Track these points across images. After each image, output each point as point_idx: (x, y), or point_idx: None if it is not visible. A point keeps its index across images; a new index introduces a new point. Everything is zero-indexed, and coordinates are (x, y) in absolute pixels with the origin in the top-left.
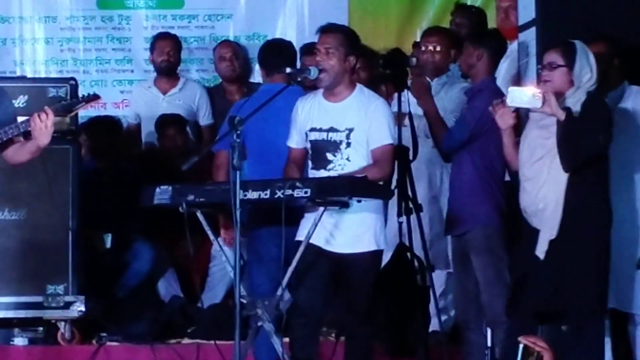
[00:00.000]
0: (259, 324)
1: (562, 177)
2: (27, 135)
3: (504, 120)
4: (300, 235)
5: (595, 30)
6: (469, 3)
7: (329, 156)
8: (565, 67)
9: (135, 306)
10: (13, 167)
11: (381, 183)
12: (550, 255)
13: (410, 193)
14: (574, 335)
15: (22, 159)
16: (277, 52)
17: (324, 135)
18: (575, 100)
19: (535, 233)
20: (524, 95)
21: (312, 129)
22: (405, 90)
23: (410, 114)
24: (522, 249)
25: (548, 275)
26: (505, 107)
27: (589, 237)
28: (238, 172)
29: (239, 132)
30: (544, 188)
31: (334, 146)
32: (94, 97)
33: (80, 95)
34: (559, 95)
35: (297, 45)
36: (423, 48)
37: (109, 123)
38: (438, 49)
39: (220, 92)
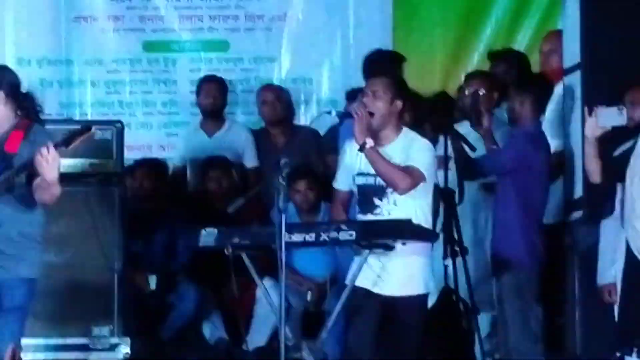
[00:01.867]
0: None
1: None
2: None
3: (590, 131)
4: (349, 279)
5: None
6: (515, 48)
7: (376, 201)
8: None
9: (181, 348)
10: (58, 209)
11: (423, 224)
12: None
13: (456, 236)
14: None
15: (44, 198)
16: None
17: (371, 180)
18: None
19: None
20: (610, 114)
21: (360, 174)
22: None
23: (458, 156)
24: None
25: None
26: (595, 121)
27: None
28: (283, 215)
29: (284, 174)
30: None
31: (381, 191)
32: (87, 129)
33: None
34: None
35: (342, 90)
36: (466, 92)
37: (155, 165)
38: (481, 92)
39: (264, 134)
